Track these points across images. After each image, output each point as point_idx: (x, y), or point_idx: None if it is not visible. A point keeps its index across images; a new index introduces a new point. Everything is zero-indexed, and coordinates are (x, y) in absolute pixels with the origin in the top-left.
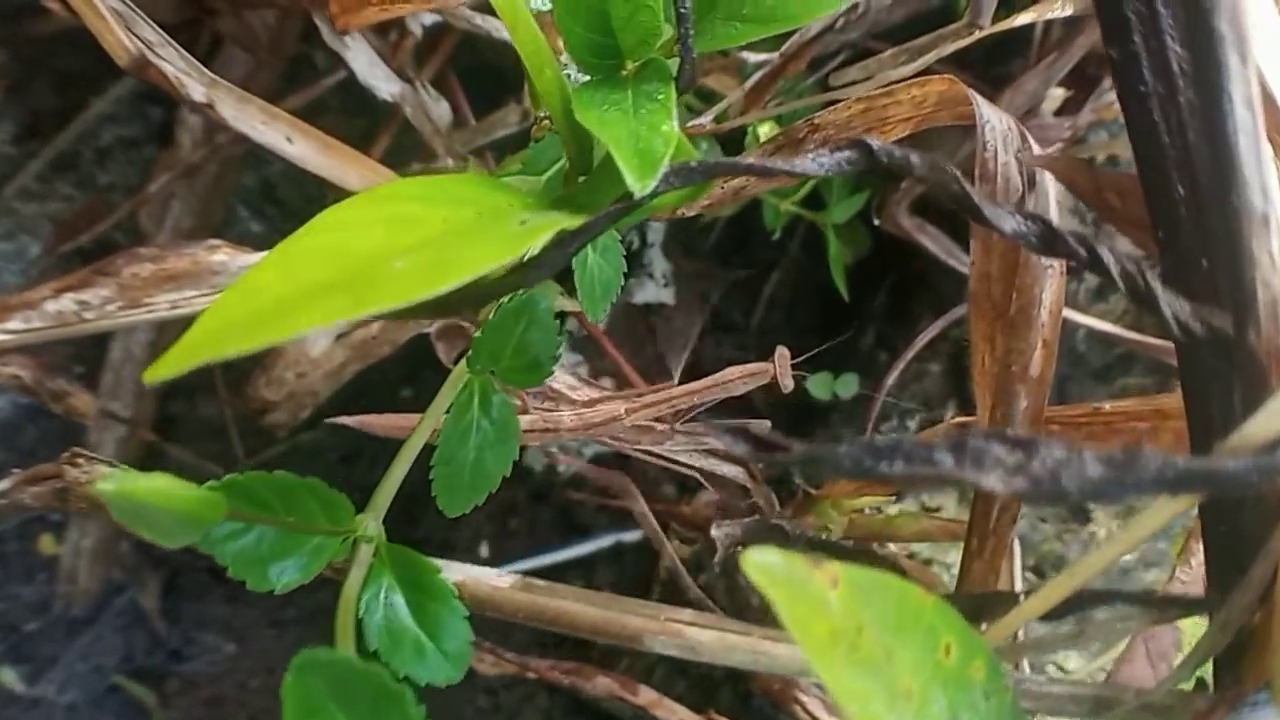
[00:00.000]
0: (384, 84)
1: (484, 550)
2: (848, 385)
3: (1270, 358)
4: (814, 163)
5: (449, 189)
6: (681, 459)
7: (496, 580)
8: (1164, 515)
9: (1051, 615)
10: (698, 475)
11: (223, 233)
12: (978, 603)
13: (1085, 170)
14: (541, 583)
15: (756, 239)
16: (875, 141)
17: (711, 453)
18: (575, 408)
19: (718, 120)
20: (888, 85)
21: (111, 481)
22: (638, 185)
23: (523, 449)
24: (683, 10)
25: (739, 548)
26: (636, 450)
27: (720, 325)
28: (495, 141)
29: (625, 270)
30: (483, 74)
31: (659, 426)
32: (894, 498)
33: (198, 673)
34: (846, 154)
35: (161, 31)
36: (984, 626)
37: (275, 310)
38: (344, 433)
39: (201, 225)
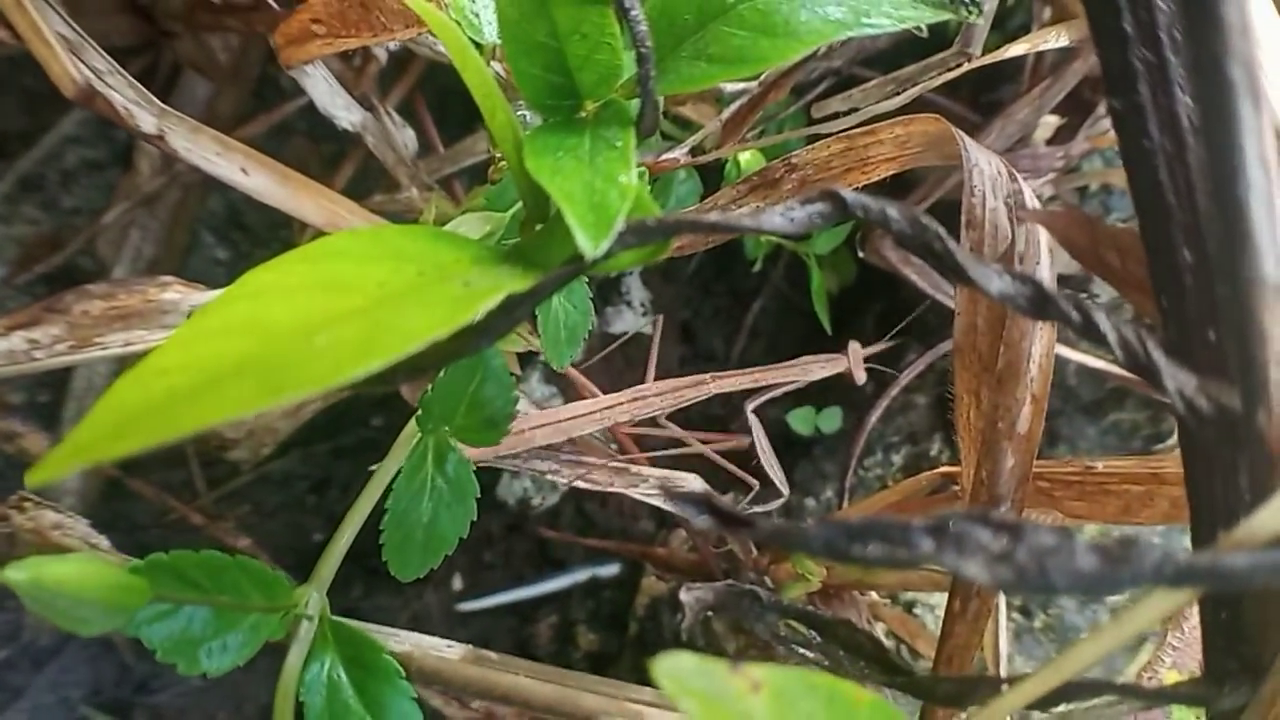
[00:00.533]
0: (344, 113)
1: (457, 583)
2: (831, 420)
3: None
4: (782, 218)
5: (391, 243)
6: (655, 501)
7: (446, 651)
8: (1163, 607)
9: (1038, 706)
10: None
11: (187, 259)
12: (960, 687)
13: (1082, 225)
14: (493, 655)
15: (738, 267)
16: (848, 193)
17: (686, 496)
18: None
19: (694, 152)
20: (870, 122)
21: (21, 570)
22: (590, 246)
23: (495, 482)
24: (643, 49)
25: (709, 613)
26: (611, 490)
27: (701, 354)
28: (464, 169)
29: (593, 312)
30: (455, 97)
31: (633, 469)
32: None
33: (165, 705)
34: (818, 207)
35: (111, 60)
36: (965, 715)
37: (171, 402)
38: (314, 460)
39: (165, 253)
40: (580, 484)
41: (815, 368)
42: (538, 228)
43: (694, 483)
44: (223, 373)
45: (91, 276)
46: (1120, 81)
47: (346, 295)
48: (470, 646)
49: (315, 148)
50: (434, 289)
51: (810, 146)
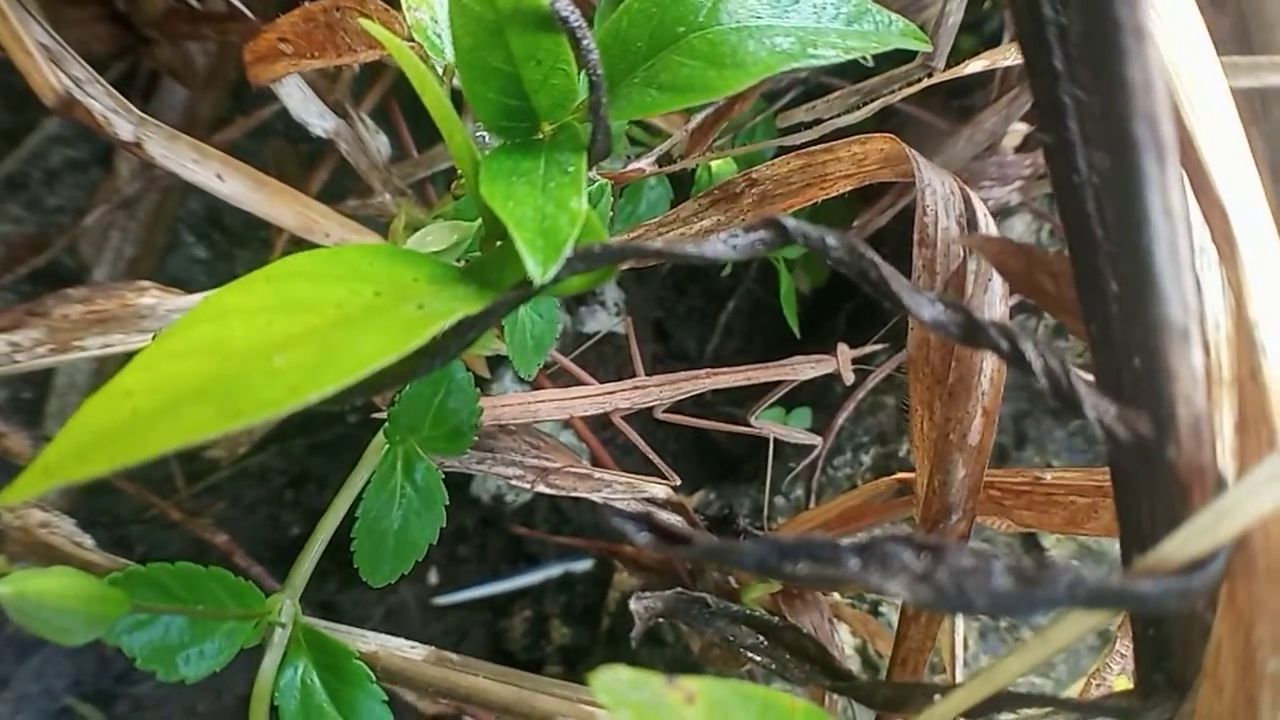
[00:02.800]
0: (318, 120)
1: (433, 577)
2: (801, 419)
3: (1191, 475)
4: (725, 245)
5: (349, 263)
6: (620, 505)
7: (409, 653)
8: (1084, 626)
9: (972, 714)
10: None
11: (166, 259)
12: (898, 693)
13: (1017, 253)
14: (454, 657)
15: (711, 267)
16: (789, 221)
17: (650, 500)
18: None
19: (662, 161)
20: (835, 134)
21: (6, 584)
22: (538, 271)
23: (469, 478)
24: (595, 77)
25: (660, 620)
26: (575, 495)
27: (674, 354)
28: (438, 173)
29: (563, 317)
30: None
31: (596, 474)
32: None
33: (146, 695)
34: (760, 234)
35: (90, 69)
36: None
37: (135, 424)
38: (291, 455)
39: (145, 252)
40: (545, 489)
41: (805, 368)
42: (497, 244)
43: (656, 488)
44: (184, 395)
45: (73, 276)
46: (1051, 116)
47: (304, 316)
48: (433, 648)
49: (293, 148)
50: (389, 311)
51: (770, 163)
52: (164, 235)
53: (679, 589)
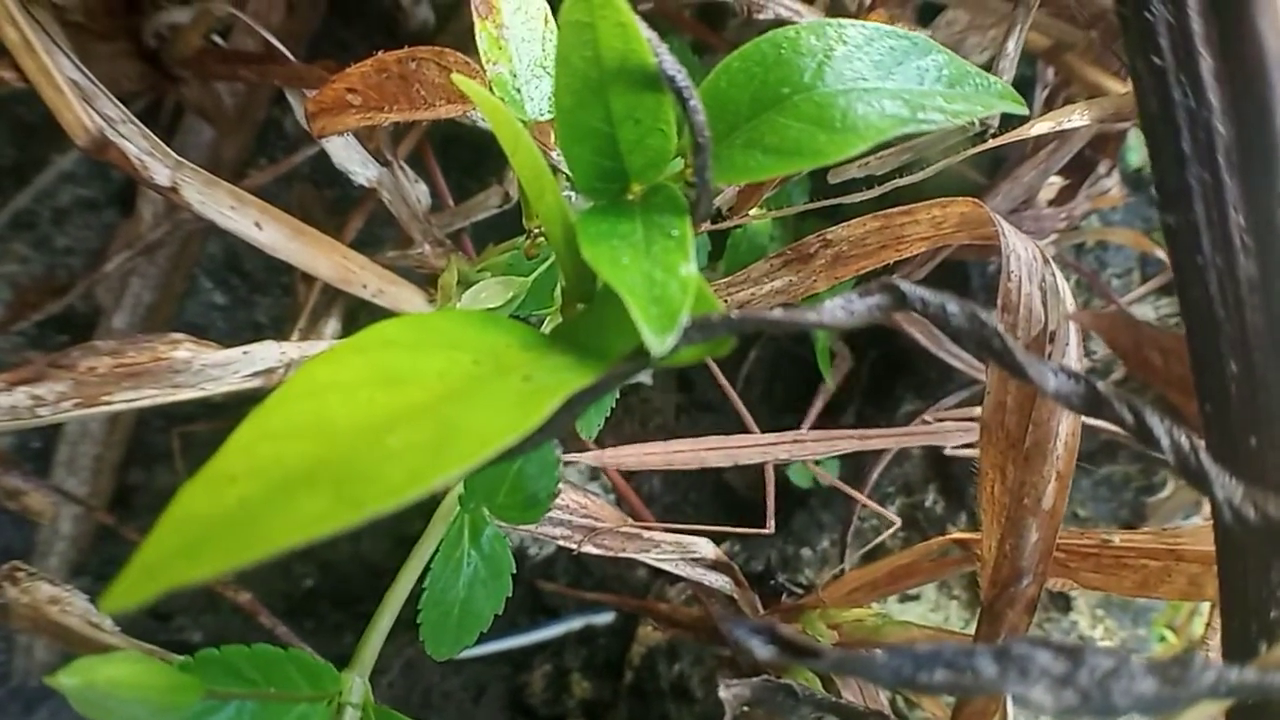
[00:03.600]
0: (360, 169)
1: None
2: (829, 469)
3: None
4: (844, 311)
5: (439, 329)
6: (667, 567)
7: None
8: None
9: None
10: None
11: (184, 305)
12: None
13: (1127, 327)
14: None
15: None
16: (908, 286)
17: (696, 561)
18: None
19: (712, 220)
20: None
21: (72, 674)
22: (656, 342)
23: None
24: (701, 139)
25: (746, 708)
26: (622, 555)
27: (697, 404)
28: (475, 224)
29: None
30: (458, 144)
31: (645, 534)
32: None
33: None
34: (877, 299)
35: (123, 108)
36: None
37: (243, 517)
38: None
39: (164, 299)
40: (592, 549)
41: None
42: (579, 306)
43: (705, 547)
44: (293, 481)
45: (85, 320)
46: (1175, 198)
47: (405, 389)
48: None
49: (319, 194)
50: (494, 383)
51: (846, 224)
52: (183, 281)
53: (765, 677)
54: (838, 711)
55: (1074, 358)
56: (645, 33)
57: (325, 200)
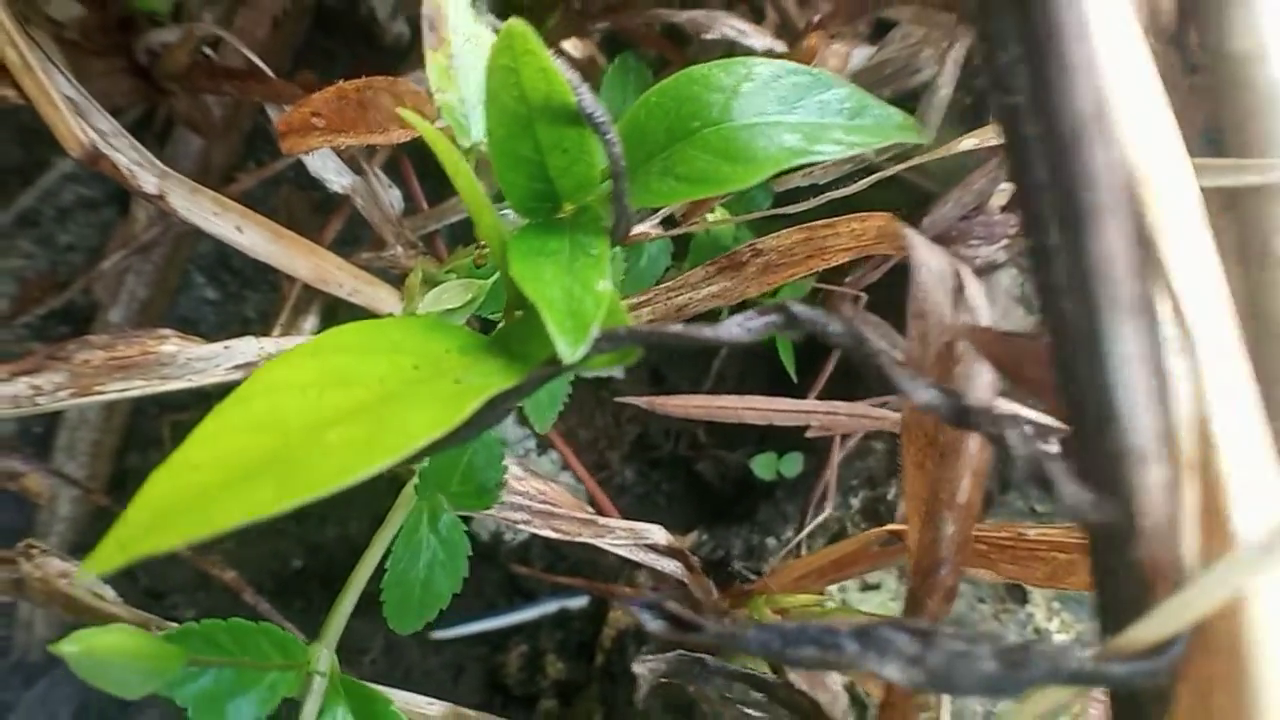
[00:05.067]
0: (335, 176)
1: None
2: (792, 465)
3: (1155, 566)
4: (740, 328)
5: (388, 336)
6: (621, 552)
7: (428, 709)
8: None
9: None
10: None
11: (177, 300)
12: None
13: (999, 341)
14: (471, 713)
15: (705, 313)
16: (798, 307)
17: (649, 547)
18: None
19: (665, 224)
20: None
21: (73, 643)
22: (568, 352)
23: (469, 517)
24: (617, 168)
25: (663, 680)
26: (578, 540)
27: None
28: (448, 226)
29: (569, 377)
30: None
31: (599, 521)
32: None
33: None
34: (771, 318)
35: (115, 122)
36: None
37: (201, 500)
38: None
39: (157, 294)
40: (549, 533)
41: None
42: (517, 313)
43: (657, 534)
44: (246, 470)
45: (84, 313)
46: (1031, 225)
47: (351, 390)
48: (451, 705)
49: (304, 195)
50: (428, 384)
51: (775, 234)
52: (176, 277)
53: (680, 650)
54: (748, 681)
55: (984, 366)
56: (566, 74)
57: (311, 200)
